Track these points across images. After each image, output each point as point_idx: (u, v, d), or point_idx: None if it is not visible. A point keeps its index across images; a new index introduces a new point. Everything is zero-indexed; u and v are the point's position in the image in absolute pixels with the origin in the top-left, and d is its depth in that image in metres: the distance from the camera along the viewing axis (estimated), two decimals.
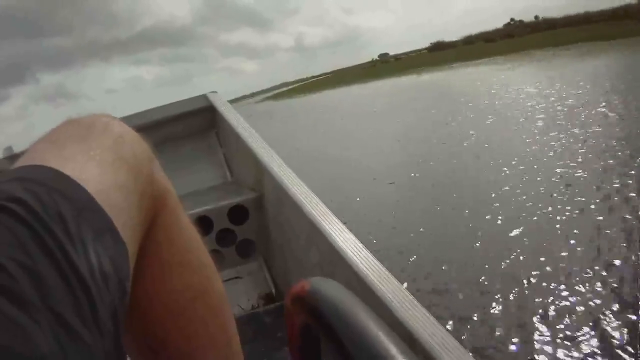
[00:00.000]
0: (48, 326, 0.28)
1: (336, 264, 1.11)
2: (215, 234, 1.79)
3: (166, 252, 0.54)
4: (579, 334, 2.57)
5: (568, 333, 2.61)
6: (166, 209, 0.53)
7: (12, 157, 1.89)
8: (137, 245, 0.45)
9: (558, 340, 2.57)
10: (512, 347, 2.63)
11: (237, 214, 1.80)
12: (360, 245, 1.12)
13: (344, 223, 1.22)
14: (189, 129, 2.25)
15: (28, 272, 0.30)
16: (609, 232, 3.59)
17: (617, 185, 4.42)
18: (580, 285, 2.99)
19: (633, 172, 4.67)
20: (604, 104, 8.22)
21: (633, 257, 3.17)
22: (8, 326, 0.27)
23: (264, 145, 1.77)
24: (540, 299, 2.96)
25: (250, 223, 1.81)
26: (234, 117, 2.03)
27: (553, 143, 6.41)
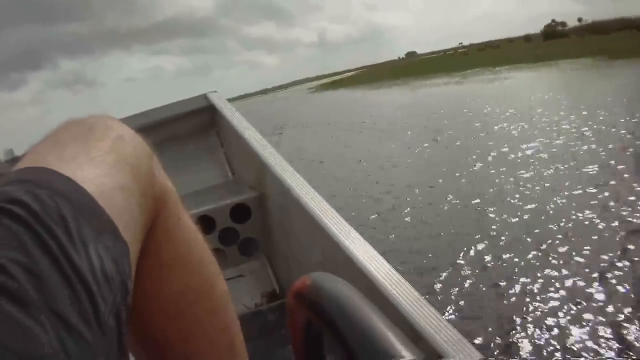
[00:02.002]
0: (50, 326, 0.29)
1: (339, 260, 1.11)
2: (218, 232, 1.79)
3: (167, 252, 0.54)
4: None
5: None
6: (167, 209, 0.53)
7: (13, 159, 1.90)
8: (138, 245, 0.45)
9: None
10: None
11: (239, 212, 1.81)
12: (363, 241, 1.12)
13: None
14: (189, 128, 2.25)
15: (29, 272, 0.30)
16: None
17: None
18: None
19: None
20: None
21: None
22: (10, 326, 0.27)
23: (265, 143, 1.77)
24: None
25: (253, 221, 1.82)
26: (234, 116, 2.03)
27: None
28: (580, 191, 5.50)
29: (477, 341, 3.16)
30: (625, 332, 2.97)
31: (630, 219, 4.51)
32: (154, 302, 0.54)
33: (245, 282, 1.86)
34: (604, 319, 3.15)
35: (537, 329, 3.22)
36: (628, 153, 6.62)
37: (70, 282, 0.32)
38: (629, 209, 4.71)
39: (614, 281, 3.57)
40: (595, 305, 3.33)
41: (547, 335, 3.14)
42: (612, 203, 4.95)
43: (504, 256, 4.28)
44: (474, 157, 7.98)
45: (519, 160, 7.37)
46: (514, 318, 3.37)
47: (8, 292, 0.28)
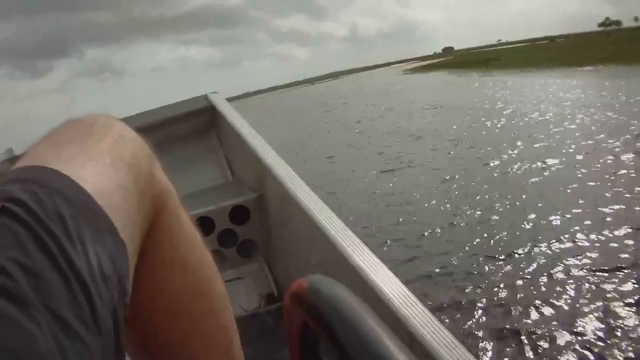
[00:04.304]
0: (47, 326, 0.29)
1: (337, 263, 1.11)
2: (217, 234, 1.79)
3: (167, 252, 0.54)
4: None
5: None
6: (167, 209, 0.53)
7: (12, 158, 1.90)
8: (137, 245, 0.45)
9: None
10: None
11: (239, 214, 1.81)
12: (362, 244, 1.13)
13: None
14: (189, 129, 2.25)
15: (27, 272, 0.30)
16: None
17: None
18: None
19: None
20: None
21: None
22: (7, 326, 0.27)
23: (265, 145, 1.77)
24: None
25: (252, 223, 1.82)
26: (234, 117, 2.03)
27: None
28: None
29: None
30: None
31: None
32: (151, 302, 0.54)
33: (243, 284, 1.86)
34: None
35: None
36: None
37: (69, 281, 0.32)
38: None
39: None
40: None
41: None
42: None
43: None
44: None
45: None
46: None
47: (6, 292, 0.28)
